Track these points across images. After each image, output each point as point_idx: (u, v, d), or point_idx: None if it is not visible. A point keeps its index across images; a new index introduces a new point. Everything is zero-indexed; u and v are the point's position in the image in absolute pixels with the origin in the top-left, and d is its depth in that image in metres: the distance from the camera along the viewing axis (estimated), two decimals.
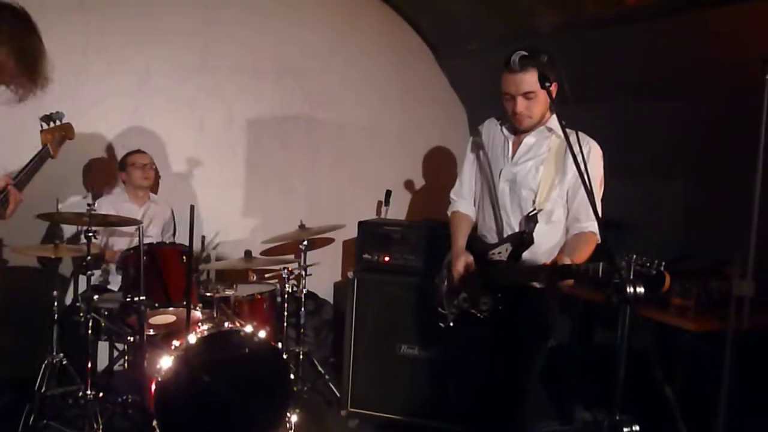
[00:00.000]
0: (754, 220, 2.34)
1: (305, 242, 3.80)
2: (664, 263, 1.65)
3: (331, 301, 4.81)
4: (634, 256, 1.60)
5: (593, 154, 2.44)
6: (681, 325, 2.95)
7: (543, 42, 2.13)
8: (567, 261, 2.18)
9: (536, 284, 2.47)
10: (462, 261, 2.62)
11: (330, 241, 4.63)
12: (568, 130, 2.18)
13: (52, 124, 2.51)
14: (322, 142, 4.84)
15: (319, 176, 4.84)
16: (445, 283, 2.70)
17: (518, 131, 2.56)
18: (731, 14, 2.89)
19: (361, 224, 3.70)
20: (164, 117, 4.27)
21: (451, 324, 2.66)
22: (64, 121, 2.57)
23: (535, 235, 2.41)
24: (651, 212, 3.75)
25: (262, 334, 3.10)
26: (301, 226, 3.80)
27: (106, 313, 3.19)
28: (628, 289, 1.46)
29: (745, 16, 2.87)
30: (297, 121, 4.73)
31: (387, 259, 3.58)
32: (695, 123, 3.43)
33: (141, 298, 2.74)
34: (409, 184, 5.06)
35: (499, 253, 2.49)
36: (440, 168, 4.98)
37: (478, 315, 2.50)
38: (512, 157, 2.58)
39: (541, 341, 2.55)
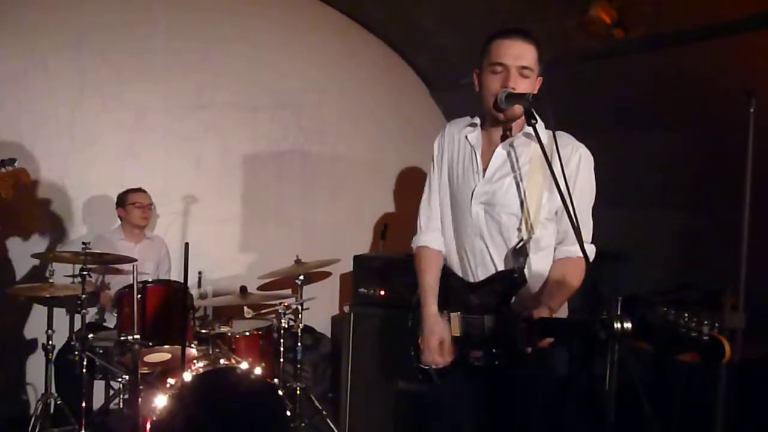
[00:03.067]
0: (743, 250, 2.35)
1: (301, 277, 3.80)
2: (717, 325, 1.42)
3: (329, 335, 4.79)
4: (682, 314, 1.45)
5: (584, 161, 2.05)
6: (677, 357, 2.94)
7: (546, 74, 2.09)
8: (544, 313, 1.86)
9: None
10: (437, 336, 2.10)
11: (327, 275, 4.62)
12: (550, 134, 1.86)
13: (3, 170, 2.70)
14: (319, 176, 4.87)
15: (316, 210, 4.86)
16: (419, 339, 2.20)
17: (491, 136, 2.11)
18: (716, 48, 2.94)
19: (356, 258, 3.71)
20: (160, 153, 4.30)
21: (439, 381, 2.16)
22: (18, 166, 2.75)
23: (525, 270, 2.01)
24: (646, 242, 3.76)
25: (257, 371, 3.10)
26: (297, 261, 3.80)
27: (101, 351, 3.18)
28: (615, 326, 1.45)
29: (730, 50, 2.92)
30: (293, 155, 4.76)
31: (383, 293, 3.58)
32: (687, 152, 3.47)
33: (135, 336, 2.74)
34: (406, 217, 5.07)
35: (482, 295, 2.06)
36: None
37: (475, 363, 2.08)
38: (484, 173, 2.10)
39: (556, 403, 2.09)
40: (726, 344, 1.41)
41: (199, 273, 4.13)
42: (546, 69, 2.11)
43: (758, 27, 2.77)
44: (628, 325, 1.45)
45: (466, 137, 2.16)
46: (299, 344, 3.84)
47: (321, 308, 4.66)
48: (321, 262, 3.88)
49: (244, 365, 3.08)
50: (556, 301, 1.97)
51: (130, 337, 2.74)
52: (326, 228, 4.82)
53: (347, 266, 3.98)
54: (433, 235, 2.24)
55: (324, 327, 4.80)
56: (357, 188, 4.97)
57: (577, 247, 1.92)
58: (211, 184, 4.48)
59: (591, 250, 2.04)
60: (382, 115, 5.04)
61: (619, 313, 1.48)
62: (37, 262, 3.77)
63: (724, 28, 2.90)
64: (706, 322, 1.43)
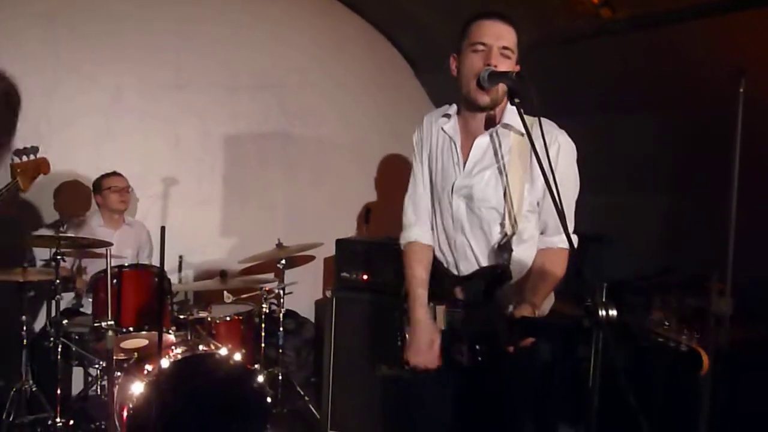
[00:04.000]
0: (731, 234, 2.31)
1: (283, 261, 3.74)
2: (697, 335, 1.43)
3: (313, 319, 4.74)
4: (662, 323, 1.40)
5: (563, 150, 1.98)
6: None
7: (520, 56, 2.04)
8: (527, 311, 1.83)
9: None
10: (425, 338, 2.04)
11: (311, 258, 4.57)
12: (529, 120, 1.78)
13: (24, 158, 2.49)
14: (301, 158, 4.79)
15: (299, 193, 4.78)
16: (406, 335, 2.15)
17: (469, 125, 2.05)
18: (706, 27, 2.89)
19: (339, 242, 3.65)
20: (138, 135, 4.20)
21: (424, 374, 2.10)
22: (39, 156, 2.54)
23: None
24: (631, 226, 3.73)
25: (237, 356, 3.04)
26: (279, 245, 3.74)
27: (76, 337, 3.12)
28: (600, 313, 1.40)
29: (720, 30, 2.87)
30: (275, 138, 4.68)
31: (366, 277, 3.53)
32: (673, 136, 3.42)
33: (109, 323, 2.67)
34: (390, 201, 5.01)
35: (467, 291, 2.02)
36: None
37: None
38: (464, 165, 2.05)
39: (540, 393, 2.09)
40: (704, 357, 1.38)
41: (180, 257, 4.06)
42: (529, 51, 2.06)
43: (748, 5, 2.72)
44: (613, 312, 1.41)
45: (442, 128, 2.11)
46: (281, 329, 3.79)
47: (304, 292, 4.61)
48: (303, 246, 3.83)
49: (223, 351, 3.02)
50: (539, 295, 1.94)
51: (103, 324, 2.67)
52: (309, 211, 4.75)
53: (330, 250, 3.93)
54: (421, 229, 2.20)
55: (308, 311, 4.75)
56: (340, 171, 4.90)
57: (559, 237, 1.97)
58: (191, 166, 4.39)
59: (574, 240, 2.02)
60: (366, 96, 4.96)
61: (603, 299, 1.44)
62: (14, 248, 3.69)
63: (713, 7, 2.85)
64: (685, 332, 1.40)
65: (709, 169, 3.07)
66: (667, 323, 1.35)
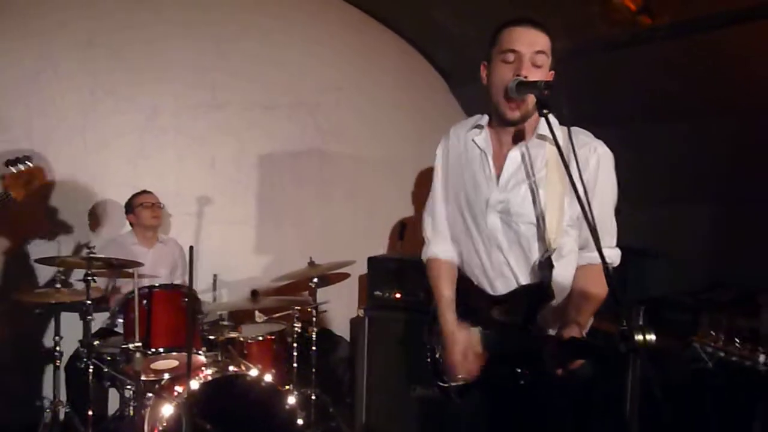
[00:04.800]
0: None
1: (316, 279, 3.69)
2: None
3: (348, 338, 4.68)
4: (733, 341, 1.26)
5: (603, 161, 1.89)
6: None
7: (558, 66, 1.95)
8: (575, 332, 1.74)
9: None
10: (459, 347, 1.96)
11: (345, 276, 4.50)
12: (565, 130, 1.71)
13: (14, 169, 2.50)
14: (336, 176, 4.76)
15: (333, 211, 4.74)
16: (437, 355, 2.08)
17: (501, 137, 1.96)
18: (746, 33, 2.75)
19: (371, 260, 3.59)
20: (174, 155, 4.23)
21: (459, 399, 2.02)
22: (33, 165, 2.55)
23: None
24: (676, 239, 3.57)
25: (268, 377, 3.00)
26: (311, 263, 3.69)
27: (108, 359, 3.11)
28: (636, 338, 1.30)
29: (760, 35, 2.73)
30: (309, 156, 4.66)
31: (399, 295, 3.45)
32: (717, 144, 3.27)
33: (136, 344, 2.65)
34: None
35: (506, 311, 1.92)
36: None
37: None
38: (497, 179, 1.95)
39: (579, 417, 1.96)
40: None
41: (214, 276, 4.06)
42: (566, 59, 1.98)
43: None
44: (651, 337, 1.30)
45: (473, 140, 2.02)
46: (314, 348, 3.73)
47: (339, 311, 4.56)
48: (335, 264, 3.77)
49: (253, 372, 2.98)
50: (584, 315, 1.87)
51: (131, 345, 2.66)
52: (343, 229, 4.71)
53: (365, 268, 3.87)
54: (442, 245, 2.14)
55: (343, 330, 4.69)
56: (375, 187, 4.84)
57: (607, 252, 1.77)
58: (226, 185, 4.40)
59: (616, 254, 1.95)
60: (400, 112, 4.91)
61: (640, 323, 1.33)
62: (55, 268, 3.74)
63: (759, 10, 2.71)
64: (761, 350, 1.27)
65: (759, 176, 2.92)
66: (738, 341, 1.21)
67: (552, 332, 1.85)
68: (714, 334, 1.31)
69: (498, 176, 1.95)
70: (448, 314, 2.04)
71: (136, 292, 2.78)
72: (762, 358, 1.26)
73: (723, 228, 3.40)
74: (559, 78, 1.94)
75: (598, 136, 1.95)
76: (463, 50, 4.59)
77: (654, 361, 1.36)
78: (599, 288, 1.84)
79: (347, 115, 4.76)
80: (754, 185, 3.08)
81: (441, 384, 2.06)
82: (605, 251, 1.80)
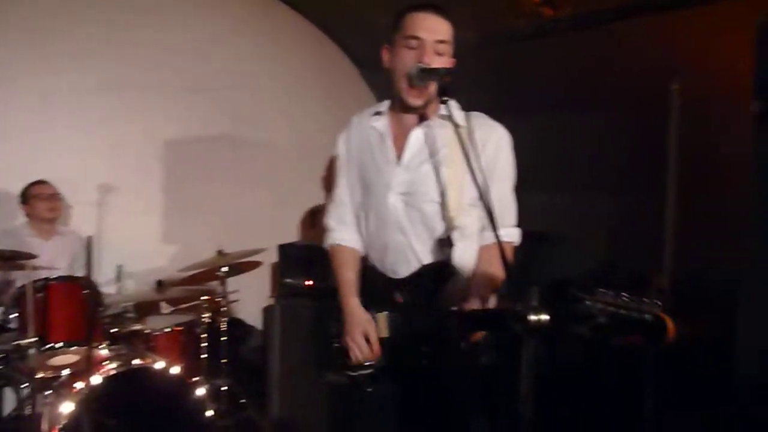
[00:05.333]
0: (668, 232, 2.30)
1: (225, 269, 3.61)
2: (659, 303, 1.40)
3: (261, 327, 4.62)
4: (620, 295, 1.36)
5: (503, 142, 1.95)
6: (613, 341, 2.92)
7: (466, 56, 1.99)
8: (476, 304, 1.77)
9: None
10: (359, 333, 1.96)
11: (256, 264, 4.44)
12: (466, 115, 1.78)
13: None
14: (247, 163, 4.66)
15: (244, 199, 4.65)
16: (342, 343, 2.07)
17: (403, 120, 1.97)
18: (641, 27, 2.89)
19: (282, 247, 3.56)
20: (72, 141, 4.02)
21: (370, 387, 2.02)
22: None
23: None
24: (577, 224, 3.73)
25: (175, 369, 2.92)
26: (220, 252, 3.61)
27: (2, 356, 2.94)
28: (530, 318, 1.35)
29: (655, 28, 2.88)
30: (218, 142, 4.55)
31: (310, 283, 3.44)
32: (615, 134, 3.44)
33: (30, 339, 2.51)
34: None
35: (409, 292, 1.92)
36: None
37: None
38: (399, 160, 1.96)
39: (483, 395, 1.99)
40: (669, 321, 1.34)
41: (119, 267, 3.90)
42: (473, 49, 2.02)
43: (682, 5, 2.73)
44: (544, 317, 1.36)
45: (373, 126, 2.04)
46: (224, 338, 3.66)
47: (251, 300, 4.48)
48: (245, 252, 3.70)
49: (160, 364, 2.89)
50: (486, 290, 1.87)
51: (24, 341, 2.52)
52: (254, 217, 4.63)
53: (277, 256, 3.83)
54: (345, 232, 2.14)
55: (255, 319, 4.63)
56: (286, 175, 4.79)
57: (503, 231, 1.86)
58: (129, 173, 4.22)
59: (516, 233, 2.02)
60: (311, 98, 4.87)
61: (536, 303, 1.39)
62: None
63: (649, 6, 2.86)
64: (646, 300, 1.36)
65: (649, 166, 3.09)
66: (625, 295, 1.29)
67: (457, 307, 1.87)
68: (604, 291, 1.39)
69: (399, 157, 1.97)
70: (350, 298, 2.05)
71: (30, 285, 2.63)
72: (648, 306, 1.34)
73: (619, 215, 3.59)
74: (467, 68, 1.99)
75: (505, 124, 2.00)
76: (375, 37, 4.58)
77: (549, 340, 1.42)
78: (500, 267, 1.83)
79: (256, 101, 4.67)
80: (644, 175, 3.26)
81: (350, 373, 2.06)
82: (506, 230, 1.92)
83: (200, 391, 2.93)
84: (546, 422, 1.58)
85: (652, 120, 3.04)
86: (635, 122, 3.26)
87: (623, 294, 1.43)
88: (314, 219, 4.35)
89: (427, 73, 1.81)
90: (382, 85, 4.87)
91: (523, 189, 2.04)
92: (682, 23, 2.81)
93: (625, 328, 1.41)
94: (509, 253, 1.95)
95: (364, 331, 1.97)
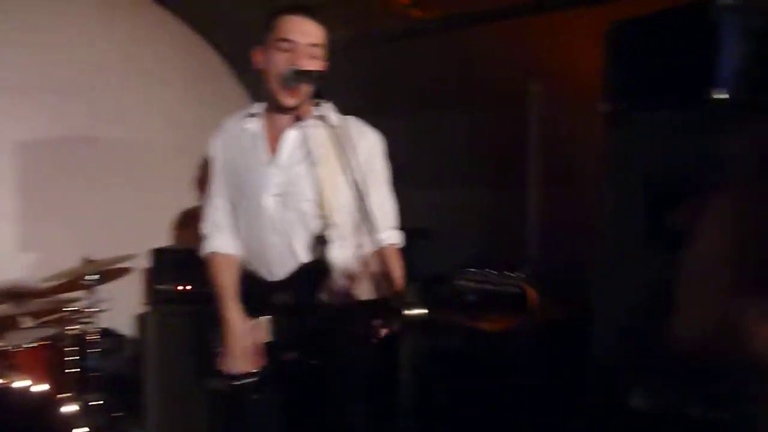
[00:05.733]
0: (531, 224, 2.45)
1: (92, 277, 3.42)
2: (522, 276, 1.47)
3: (134, 336, 4.41)
4: (485, 273, 1.43)
5: (376, 147, 2.02)
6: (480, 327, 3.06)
7: (338, 56, 2.01)
8: (366, 295, 1.84)
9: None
10: (239, 348, 1.94)
11: (127, 271, 4.24)
12: (339, 118, 1.84)
13: None
14: (114, 165, 4.42)
15: (112, 202, 4.40)
16: (221, 351, 2.06)
17: (276, 122, 1.98)
18: (504, 30, 3.05)
19: (154, 252, 3.42)
20: None
21: (255, 395, 2.01)
22: None
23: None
24: (451, 220, 3.87)
25: (39, 387, 2.73)
26: (86, 259, 3.42)
27: None
28: (406, 312, 1.40)
29: (516, 33, 3.05)
30: (81, 143, 4.27)
31: (185, 288, 3.33)
32: (485, 132, 3.60)
33: None
34: None
35: (288, 294, 1.93)
36: None
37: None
38: (275, 161, 1.98)
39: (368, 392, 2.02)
40: (529, 291, 1.44)
41: None
42: (346, 50, 2.05)
43: (542, 11, 2.91)
44: (420, 311, 1.41)
45: (246, 128, 2.04)
46: (95, 351, 3.46)
47: (123, 308, 4.26)
48: (114, 259, 3.53)
49: (22, 383, 2.70)
50: (379, 291, 1.92)
51: None
52: (124, 221, 4.39)
53: (148, 261, 3.68)
54: (221, 239, 2.13)
55: (128, 328, 4.41)
56: (157, 177, 4.59)
57: (387, 234, 1.97)
58: None
59: (399, 235, 2.07)
60: (182, 98, 4.70)
61: (413, 298, 1.44)
62: None
63: (512, 11, 3.02)
64: (510, 274, 1.46)
65: (516, 163, 3.27)
66: (490, 271, 1.38)
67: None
68: (473, 271, 1.48)
69: (275, 158, 1.98)
70: (229, 306, 2.03)
71: None
72: (510, 280, 1.45)
73: (490, 210, 3.77)
74: (340, 69, 2.02)
75: (379, 125, 2.07)
76: (247, 35, 4.51)
77: (427, 332, 1.48)
78: (386, 266, 1.93)
79: (126, 102, 4.44)
80: (510, 171, 3.45)
81: (233, 382, 2.04)
82: (387, 232, 1.99)
83: (69, 409, 2.76)
84: (427, 411, 1.63)
85: (516, 119, 3.23)
86: (501, 121, 3.43)
87: (489, 271, 1.53)
88: (188, 221, 4.22)
89: (301, 76, 1.83)
90: (256, 85, 4.84)
91: (400, 185, 2.11)
92: (541, 28, 3.00)
93: (491, 302, 1.50)
94: (397, 256, 2.01)
95: (243, 346, 1.95)
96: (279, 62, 1.88)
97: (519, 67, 2.70)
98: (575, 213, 2.81)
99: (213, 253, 2.13)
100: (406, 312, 1.38)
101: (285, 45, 1.88)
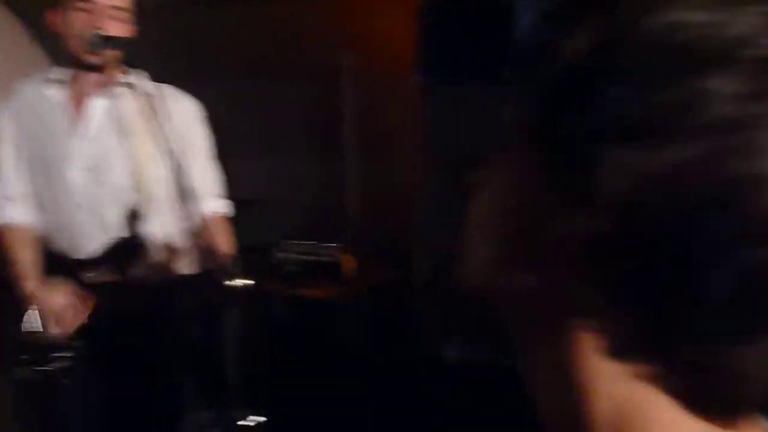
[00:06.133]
0: (350, 197, 2.53)
1: None
2: (338, 245, 1.49)
3: None
4: (304, 246, 1.43)
5: (192, 114, 1.91)
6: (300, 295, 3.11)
7: (148, 20, 1.88)
8: (190, 269, 1.79)
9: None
10: (60, 293, 1.81)
11: None
12: (156, 86, 1.72)
13: None
14: None
15: None
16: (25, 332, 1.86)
17: (81, 88, 1.83)
18: (321, 3, 3.07)
19: None
20: None
21: (65, 380, 1.86)
22: None
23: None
24: (275, 191, 3.86)
25: None
26: None
27: None
28: (230, 284, 1.40)
29: (332, 6, 3.08)
30: None
31: None
32: (304, 103, 3.61)
33: None
34: None
35: (96, 273, 1.82)
36: None
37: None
38: (81, 132, 1.82)
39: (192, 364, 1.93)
40: (345, 260, 1.51)
41: None
42: (158, 14, 1.93)
43: None
44: (242, 282, 1.42)
45: (45, 94, 1.84)
46: None
47: None
48: None
49: None
50: (209, 261, 1.81)
51: None
52: None
53: None
54: (13, 210, 1.90)
55: None
56: None
57: (212, 203, 1.90)
58: None
59: (225, 204, 2.01)
60: None
61: (235, 269, 1.44)
62: None
63: None
64: (327, 245, 1.51)
65: (333, 134, 3.34)
66: (309, 243, 1.44)
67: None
68: (294, 243, 1.53)
69: (81, 129, 1.83)
70: (28, 279, 1.85)
71: None
72: (327, 250, 1.52)
73: (314, 179, 3.81)
74: (151, 34, 1.90)
75: (194, 92, 1.97)
76: None
77: (252, 303, 1.50)
78: (211, 237, 1.82)
79: None
80: (334, 140, 3.51)
81: (41, 367, 1.88)
82: (212, 202, 1.92)
83: None
84: (255, 383, 1.65)
85: (331, 91, 3.29)
86: (318, 92, 3.47)
87: (308, 243, 1.59)
88: None
89: (106, 41, 1.69)
90: (55, 42, 4.43)
91: (223, 155, 2.06)
92: (354, 2, 3.06)
93: (309, 271, 1.55)
94: (224, 225, 1.95)
95: (61, 305, 1.81)
96: (77, 24, 1.72)
97: (332, 40, 2.74)
98: (393, 181, 2.94)
99: (5, 224, 1.90)
100: (230, 283, 1.38)
101: (84, 5, 1.71)
